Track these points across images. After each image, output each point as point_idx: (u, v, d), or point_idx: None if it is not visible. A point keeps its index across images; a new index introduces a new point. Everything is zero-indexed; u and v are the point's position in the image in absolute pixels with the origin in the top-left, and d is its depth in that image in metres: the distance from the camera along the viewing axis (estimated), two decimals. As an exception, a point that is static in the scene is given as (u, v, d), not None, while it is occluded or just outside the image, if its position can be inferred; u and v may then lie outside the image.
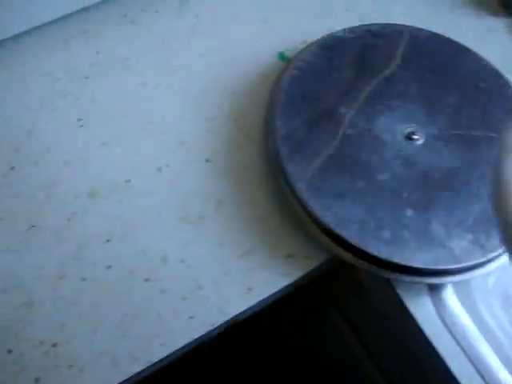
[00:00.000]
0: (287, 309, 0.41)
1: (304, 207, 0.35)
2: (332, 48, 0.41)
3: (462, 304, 0.38)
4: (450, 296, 0.37)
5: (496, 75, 0.41)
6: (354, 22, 0.45)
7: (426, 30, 0.43)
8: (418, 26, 0.43)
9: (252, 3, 0.47)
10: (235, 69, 0.43)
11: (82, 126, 0.40)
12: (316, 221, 0.35)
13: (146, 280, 0.35)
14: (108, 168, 0.38)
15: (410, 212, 0.36)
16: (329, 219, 0.34)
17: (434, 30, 0.43)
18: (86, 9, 0.44)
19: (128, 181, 0.38)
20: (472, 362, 0.36)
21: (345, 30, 0.42)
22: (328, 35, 0.42)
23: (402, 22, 0.44)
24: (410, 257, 0.35)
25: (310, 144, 0.37)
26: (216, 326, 0.34)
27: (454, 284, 0.37)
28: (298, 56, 0.40)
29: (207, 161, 0.39)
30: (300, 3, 0.48)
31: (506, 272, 0.40)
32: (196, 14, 0.45)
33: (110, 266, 0.35)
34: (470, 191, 0.38)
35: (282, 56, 0.44)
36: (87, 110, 0.40)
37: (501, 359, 0.36)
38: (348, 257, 0.35)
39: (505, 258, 0.37)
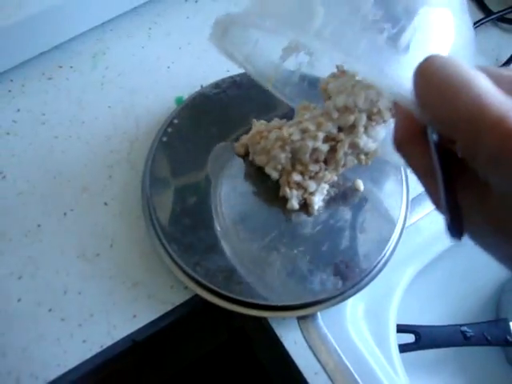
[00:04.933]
0: (185, 329, 0.49)
1: (177, 264, 0.43)
2: (198, 106, 0.48)
3: (330, 330, 0.45)
4: (318, 323, 0.45)
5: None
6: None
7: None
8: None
9: (158, 51, 0.55)
10: (136, 116, 0.52)
11: (3, 178, 0.49)
12: (188, 275, 0.43)
13: (50, 310, 0.44)
14: (23, 215, 0.48)
15: (274, 254, 0.43)
16: (197, 273, 0.42)
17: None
18: (10, 69, 0.53)
19: (39, 225, 0.47)
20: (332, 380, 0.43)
21: (210, 85, 0.49)
22: (196, 92, 0.49)
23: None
24: (275, 296, 0.42)
25: (179, 207, 0.45)
26: (105, 347, 0.43)
27: (324, 313, 0.45)
28: (169, 118, 0.48)
29: (105, 204, 0.48)
30: (201, 46, 0.55)
31: (375, 300, 0.47)
32: (106, 67, 0.54)
33: (19, 299, 0.45)
34: (329, 227, 0.45)
35: (178, 100, 0.52)
36: (8, 163, 0.50)
37: (360, 376, 0.44)
38: (218, 302, 0.43)
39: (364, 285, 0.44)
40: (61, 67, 0.54)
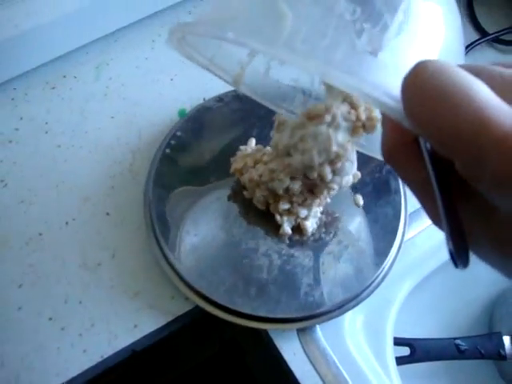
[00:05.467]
0: (182, 340, 0.50)
1: (178, 275, 0.44)
2: (201, 119, 0.49)
3: (329, 342, 0.46)
4: (317, 336, 0.46)
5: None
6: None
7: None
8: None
9: (161, 63, 0.56)
10: (139, 127, 0.52)
11: (5, 185, 0.49)
12: (189, 286, 0.43)
13: (50, 319, 0.45)
14: (24, 223, 0.48)
15: (276, 269, 0.44)
16: (199, 285, 0.43)
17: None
18: (14, 78, 0.54)
19: (40, 234, 0.47)
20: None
21: (213, 98, 0.51)
22: (200, 105, 0.50)
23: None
24: (274, 309, 0.43)
25: (180, 219, 0.46)
26: (105, 357, 0.43)
27: (323, 325, 0.45)
28: (172, 131, 0.49)
29: (107, 214, 0.48)
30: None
31: (373, 313, 0.48)
32: (110, 77, 0.55)
33: (20, 308, 0.45)
34: (326, 242, 0.46)
35: (181, 113, 0.53)
36: (10, 171, 0.50)
37: (354, 382, 0.44)
38: (219, 313, 0.43)
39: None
40: (64, 77, 0.55)
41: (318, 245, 0.45)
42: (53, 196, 0.49)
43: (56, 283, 0.46)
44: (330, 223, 0.46)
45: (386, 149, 0.24)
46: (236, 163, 0.45)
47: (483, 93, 0.18)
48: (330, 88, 0.36)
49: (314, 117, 0.36)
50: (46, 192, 0.49)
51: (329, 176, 0.38)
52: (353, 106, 0.35)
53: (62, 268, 0.46)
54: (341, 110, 0.35)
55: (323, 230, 0.46)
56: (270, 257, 0.45)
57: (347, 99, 0.35)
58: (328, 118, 0.35)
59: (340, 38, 0.24)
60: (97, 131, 0.52)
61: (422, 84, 0.19)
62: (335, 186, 0.40)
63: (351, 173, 0.40)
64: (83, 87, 0.54)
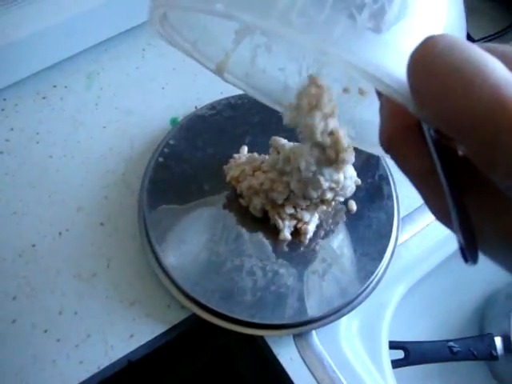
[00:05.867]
0: (179, 348, 0.50)
1: (175, 284, 0.44)
2: (194, 127, 0.49)
3: (325, 347, 0.46)
4: (313, 341, 0.46)
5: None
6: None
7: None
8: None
9: (152, 72, 0.56)
10: (131, 137, 0.52)
11: (-4, 197, 0.49)
12: (186, 294, 0.44)
13: (45, 331, 0.44)
14: (17, 234, 0.48)
15: (272, 276, 0.44)
16: (196, 292, 0.43)
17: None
18: (4, 88, 0.53)
19: (34, 245, 0.47)
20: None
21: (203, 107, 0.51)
22: (192, 113, 0.50)
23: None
24: (270, 315, 0.43)
25: (176, 228, 0.46)
26: (102, 368, 0.43)
27: (319, 331, 0.46)
28: (165, 139, 0.49)
29: (101, 224, 0.48)
30: (195, 68, 0.56)
31: (369, 317, 0.48)
32: (101, 87, 0.55)
33: (14, 321, 0.44)
34: (322, 248, 0.46)
35: (173, 121, 0.53)
36: (1, 182, 0.50)
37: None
38: (216, 321, 0.43)
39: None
40: (55, 87, 0.55)
41: (313, 251, 0.46)
42: (45, 207, 0.49)
43: (50, 294, 0.46)
44: (325, 229, 0.46)
45: (386, 136, 0.22)
46: (232, 171, 0.45)
47: (499, 70, 0.17)
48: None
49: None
50: (38, 203, 0.49)
51: (329, 197, 0.39)
52: (321, 145, 0.36)
53: (56, 279, 0.46)
54: (308, 158, 0.36)
55: (319, 235, 0.46)
56: (267, 263, 0.45)
57: (316, 142, 0.35)
58: (303, 165, 0.36)
59: (339, 12, 0.21)
60: (89, 141, 0.52)
61: (432, 59, 0.18)
62: (340, 199, 0.41)
63: (352, 184, 0.41)
64: (74, 97, 0.54)
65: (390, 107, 0.22)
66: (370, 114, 0.36)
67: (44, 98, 0.54)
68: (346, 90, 0.37)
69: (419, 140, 0.20)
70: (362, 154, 0.45)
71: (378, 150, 0.37)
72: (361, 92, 0.35)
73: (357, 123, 0.37)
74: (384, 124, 0.22)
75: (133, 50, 0.57)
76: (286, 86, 0.39)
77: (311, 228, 0.45)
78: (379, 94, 0.24)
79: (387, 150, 0.22)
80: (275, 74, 0.38)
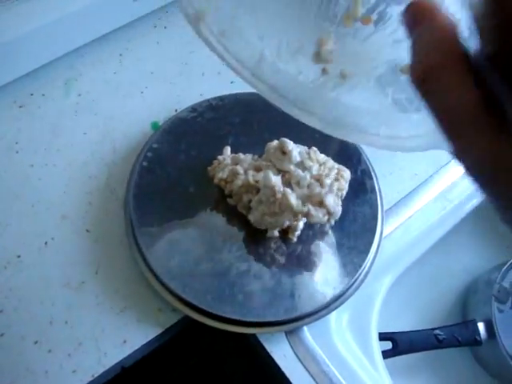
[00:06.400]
0: (173, 352, 0.50)
1: (165, 287, 0.44)
2: (176, 130, 0.50)
3: (318, 342, 0.47)
4: (305, 336, 0.46)
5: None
6: (226, 85, 0.55)
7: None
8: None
9: (130, 77, 0.56)
10: (112, 142, 0.52)
11: (-23, 208, 0.48)
12: (177, 297, 0.44)
13: (35, 342, 0.44)
14: (1, 246, 0.47)
15: (261, 274, 0.45)
16: (186, 294, 0.43)
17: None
18: (-21, 98, 0.52)
19: (19, 256, 0.47)
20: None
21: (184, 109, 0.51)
22: (173, 116, 0.50)
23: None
24: (262, 313, 0.44)
25: (164, 231, 0.46)
26: (96, 376, 0.43)
27: (310, 326, 0.46)
28: (148, 143, 0.49)
29: (87, 231, 0.48)
30: (173, 71, 0.57)
31: (358, 310, 0.49)
32: (79, 94, 0.54)
33: (2, 334, 0.44)
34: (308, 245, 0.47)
35: (154, 125, 0.53)
36: (-18, 194, 0.49)
37: (345, 379, 0.46)
38: (208, 321, 0.44)
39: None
40: (32, 95, 0.54)
41: (301, 247, 0.46)
42: (29, 216, 0.48)
43: (39, 305, 0.45)
44: (312, 225, 0.47)
45: (425, 65, 0.18)
46: (220, 173, 0.46)
47: None
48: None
49: None
50: (21, 213, 0.48)
51: (314, 213, 0.43)
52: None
53: (44, 289, 0.46)
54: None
55: (307, 231, 0.47)
56: (256, 262, 0.45)
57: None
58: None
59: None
60: (70, 148, 0.52)
61: None
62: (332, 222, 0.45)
63: (340, 197, 0.42)
64: (53, 104, 0.54)
65: (431, 27, 0.19)
66: (350, 98, 0.35)
67: (21, 106, 0.53)
68: (324, 71, 0.36)
69: (467, 69, 0.18)
70: (347, 150, 0.46)
71: (354, 137, 0.33)
72: (343, 75, 0.35)
73: (333, 107, 0.37)
74: (422, 50, 0.19)
75: (110, 55, 0.57)
76: (261, 56, 0.37)
77: (301, 225, 0.46)
78: (410, 28, 0.21)
79: (424, 82, 0.18)
80: (253, 40, 0.37)
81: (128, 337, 0.44)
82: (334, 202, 0.44)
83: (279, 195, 0.42)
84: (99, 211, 0.49)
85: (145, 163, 0.48)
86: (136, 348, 0.44)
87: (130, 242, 0.46)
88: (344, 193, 0.46)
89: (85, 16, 0.52)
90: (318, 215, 0.43)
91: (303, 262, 0.46)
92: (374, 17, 0.30)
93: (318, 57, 0.31)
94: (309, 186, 0.44)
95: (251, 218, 0.44)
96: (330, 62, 0.32)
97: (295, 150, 0.44)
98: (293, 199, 0.42)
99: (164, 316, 0.45)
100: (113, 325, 0.45)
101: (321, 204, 0.43)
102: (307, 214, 0.43)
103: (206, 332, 0.46)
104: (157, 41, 0.59)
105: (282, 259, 0.46)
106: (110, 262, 0.47)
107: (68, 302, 0.45)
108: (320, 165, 0.45)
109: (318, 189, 0.43)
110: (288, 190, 0.43)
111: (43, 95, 0.54)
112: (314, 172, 0.45)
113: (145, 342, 0.44)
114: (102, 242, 0.48)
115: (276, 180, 0.42)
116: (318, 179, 0.44)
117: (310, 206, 0.43)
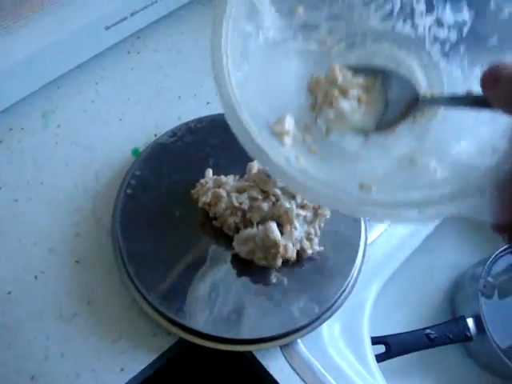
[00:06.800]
0: (171, 374, 0.50)
1: (158, 312, 0.44)
2: (157, 156, 0.50)
3: (312, 353, 0.47)
4: (300, 349, 0.47)
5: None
6: (203, 106, 0.55)
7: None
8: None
9: (107, 105, 0.56)
10: (95, 171, 0.53)
11: (-36, 248, 0.48)
12: (171, 321, 0.44)
13: (32, 378, 0.44)
14: (-10, 283, 0.47)
15: (252, 291, 0.46)
16: (180, 317, 0.44)
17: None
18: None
19: (9, 292, 0.47)
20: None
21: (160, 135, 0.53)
22: (153, 142, 0.51)
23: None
24: (256, 330, 0.44)
25: (153, 256, 0.47)
26: (96, 407, 0.43)
27: (304, 339, 0.47)
28: (130, 170, 0.50)
29: (77, 262, 0.48)
30: (150, 96, 0.57)
31: (349, 318, 0.50)
32: (58, 125, 0.55)
33: (-2, 372, 0.44)
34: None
35: (135, 152, 0.53)
36: (-33, 233, 0.49)
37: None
38: (204, 343, 0.44)
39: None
40: (11, 129, 0.54)
41: (290, 263, 0.47)
42: (17, 251, 0.48)
43: (33, 340, 0.45)
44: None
45: None
46: (204, 197, 0.46)
47: None
48: None
49: None
50: (9, 249, 0.49)
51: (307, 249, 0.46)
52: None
53: (37, 323, 0.46)
54: None
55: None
56: (246, 281, 0.46)
57: None
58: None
59: None
60: (53, 180, 0.52)
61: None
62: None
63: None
64: (32, 138, 0.54)
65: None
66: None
67: (1, 141, 0.53)
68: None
69: None
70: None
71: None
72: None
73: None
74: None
75: (86, 85, 0.57)
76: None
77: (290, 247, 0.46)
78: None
79: None
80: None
81: (125, 364, 0.45)
82: (319, 229, 0.45)
83: (282, 250, 0.44)
84: (87, 241, 0.49)
85: (129, 190, 0.49)
86: (134, 375, 0.45)
87: (120, 270, 0.46)
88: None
89: (59, 48, 0.53)
90: (309, 250, 0.46)
91: (292, 278, 0.47)
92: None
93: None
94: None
95: (236, 247, 0.45)
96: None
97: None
98: (291, 250, 0.45)
99: (159, 340, 0.46)
100: (109, 354, 0.45)
101: (311, 240, 0.45)
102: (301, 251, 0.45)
103: (202, 352, 0.47)
104: (131, 67, 0.60)
105: (272, 278, 0.46)
106: (102, 292, 0.47)
107: (62, 334, 0.46)
108: None
109: (312, 230, 0.46)
110: (290, 246, 0.45)
111: (22, 129, 0.54)
112: (299, 200, 0.46)
113: (142, 368, 0.45)
114: (92, 271, 0.48)
115: (278, 233, 0.44)
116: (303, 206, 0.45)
117: (304, 243, 0.45)
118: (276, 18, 0.35)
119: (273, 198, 0.45)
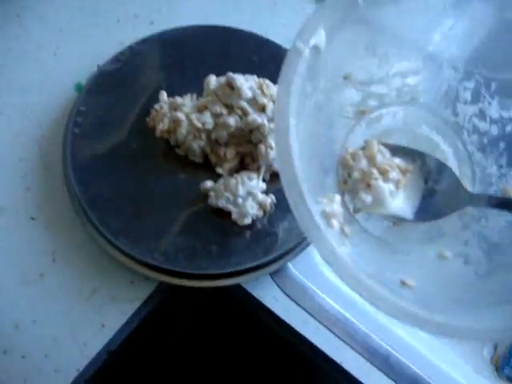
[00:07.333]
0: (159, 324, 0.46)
1: (131, 257, 0.40)
2: (103, 87, 0.45)
3: (305, 276, 0.44)
4: (292, 273, 0.44)
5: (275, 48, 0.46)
6: (145, 27, 0.49)
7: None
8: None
9: (37, 39, 0.49)
10: (36, 115, 0.46)
11: None
12: (148, 265, 0.40)
13: (5, 352, 0.40)
14: None
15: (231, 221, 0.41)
16: (157, 260, 0.39)
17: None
18: None
19: (-38, 262, 0.41)
20: (321, 322, 0.43)
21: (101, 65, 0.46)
22: (96, 72, 0.45)
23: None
24: (242, 260, 0.40)
25: (115, 198, 0.41)
26: (81, 369, 0.39)
27: (294, 262, 0.43)
28: (74, 107, 0.44)
29: (32, 219, 0.43)
30: (84, 23, 0.50)
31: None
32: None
33: (-34, 350, 0.39)
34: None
35: (78, 87, 0.47)
36: None
37: (345, 308, 0.44)
38: (187, 282, 0.40)
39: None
40: None
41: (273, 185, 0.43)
42: (-38, 218, 0.43)
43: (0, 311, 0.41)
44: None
45: None
46: (161, 125, 0.41)
47: None
48: None
49: None
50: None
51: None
52: None
53: (0, 292, 0.41)
54: None
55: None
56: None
57: None
58: None
59: None
60: (-11, 133, 0.46)
61: None
62: None
63: None
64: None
65: None
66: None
67: None
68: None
69: None
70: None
71: None
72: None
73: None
74: None
75: (6, 19, 0.50)
76: None
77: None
78: None
79: None
80: None
81: (105, 320, 0.41)
82: None
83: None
84: (39, 194, 0.44)
85: (76, 130, 0.43)
86: (117, 329, 0.41)
87: (82, 219, 0.41)
88: None
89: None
90: None
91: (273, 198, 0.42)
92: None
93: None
94: None
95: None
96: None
97: (245, 84, 0.39)
98: None
99: (138, 288, 0.42)
100: (86, 311, 0.41)
101: None
102: None
103: (187, 295, 0.43)
104: (57, -8, 0.52)
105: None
106: (66, 246, 0.42)
107: (30, 299, 0.41)
108: (274, 101, 0.41)
109: None
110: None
111: None
112: (270, 114, 0.40)
113: (125, 321, 0.41)
114: (51, 226, 0.43)
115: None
116: None
117: None
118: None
119: (239, 112, 0.39)
